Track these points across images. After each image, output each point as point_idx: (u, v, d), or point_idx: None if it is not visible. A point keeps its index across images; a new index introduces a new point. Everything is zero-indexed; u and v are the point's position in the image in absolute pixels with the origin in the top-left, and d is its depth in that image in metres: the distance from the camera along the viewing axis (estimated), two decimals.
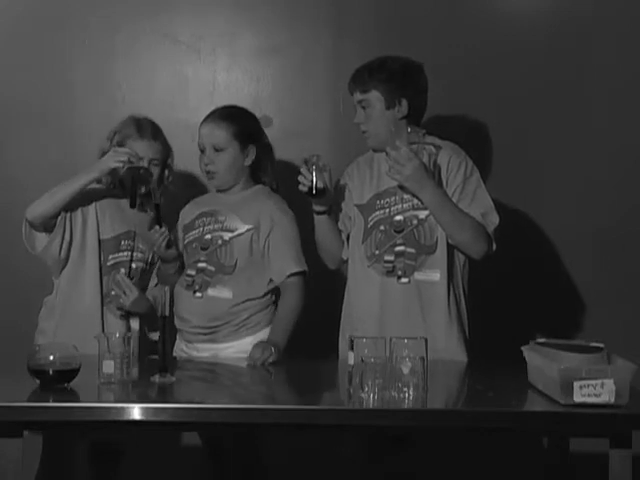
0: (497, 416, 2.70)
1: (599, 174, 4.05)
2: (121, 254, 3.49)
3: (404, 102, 3.37)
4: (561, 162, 4.05)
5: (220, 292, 3.44)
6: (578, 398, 2.62)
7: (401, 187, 3.32)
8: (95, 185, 3.47)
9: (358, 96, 3.41)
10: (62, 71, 4.09)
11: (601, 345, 2.84)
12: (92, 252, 3.45)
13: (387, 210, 3.39)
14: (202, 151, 3.49)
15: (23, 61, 4.07)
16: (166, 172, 3.54)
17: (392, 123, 3.37)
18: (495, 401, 2.80)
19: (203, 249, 3.47)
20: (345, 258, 3.48)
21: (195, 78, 4.10)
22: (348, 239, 3.47)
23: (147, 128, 3.49)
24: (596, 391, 2.62)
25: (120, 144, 3.47)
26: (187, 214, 3.57)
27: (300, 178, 3.32)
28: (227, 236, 3.45)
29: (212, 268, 3.45)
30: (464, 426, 2.74)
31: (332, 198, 3.40)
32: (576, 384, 2.62)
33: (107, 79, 4.09)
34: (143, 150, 3.45)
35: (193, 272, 3.47)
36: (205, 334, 3.43)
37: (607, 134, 4.05)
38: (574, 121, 4.05)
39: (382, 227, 3.38)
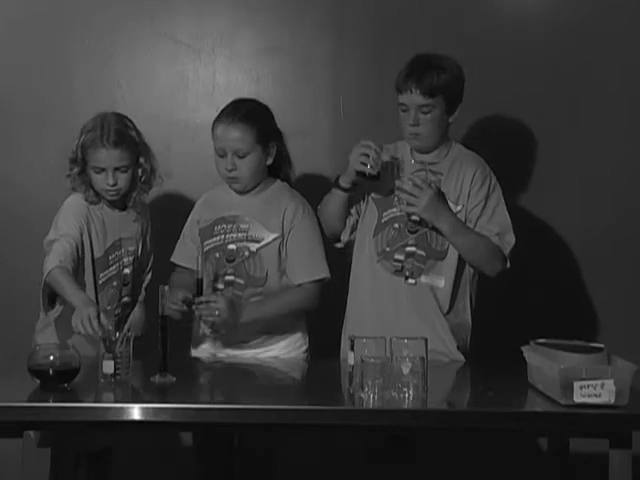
0: (497, 416, 2.71)
1: (600, 174, 4.05)
2: (110, 269, 3.37)
3: (458, 108, 3.34)
4: (561, 162, 4.04)
5: None
6: (578, 398, 2.63)
7: (414, 220, 3.29)
8: (81, 201, 3.35)
9: (420, 99, 3.26)
10: (62, 71, 4.09)
11: (601, 345, 2.85)
12: (88, 276, 3.31)
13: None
14: (221, 155, 3.31)
15: (23, 61, 4.06)
16: (139, 172, 3.36)
17: (445, 128, 3.34)
18: (495, 401, 2.80)
19: (229, 261, 3.34)
20: (343, 241, 3.42)
21: (195, 78, 4.09)
22: (351, 224, 3.41)
23: (110, 135, 3.29)
24: (596, 391, 2.62)
25: (84, 149, 3.32)
26: (202, 215, 3.43)
27: (367, 160, 3.22)
28: (254, 247, 3.33)
29: (241, 281, 3.33)
30: (464, 426, 2.74)
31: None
32: (576, 384, 2.62)
33: (107, 79, 4.08)
34: (105, 160, 3.29)
35: (221, 286, 3.35)
36: (240, 342, 3.36)
37: (608, 134, 4.04)
38: (574, 121, 4.04)
39: (396, 225, 3.35)
